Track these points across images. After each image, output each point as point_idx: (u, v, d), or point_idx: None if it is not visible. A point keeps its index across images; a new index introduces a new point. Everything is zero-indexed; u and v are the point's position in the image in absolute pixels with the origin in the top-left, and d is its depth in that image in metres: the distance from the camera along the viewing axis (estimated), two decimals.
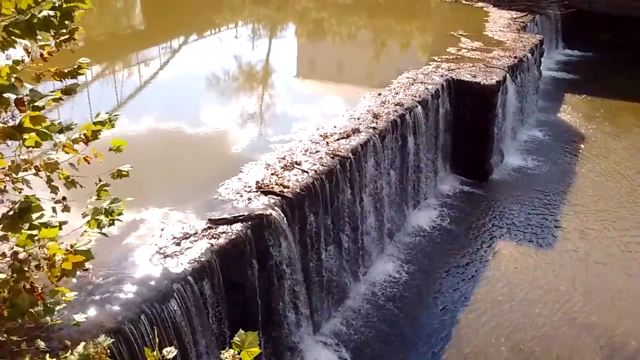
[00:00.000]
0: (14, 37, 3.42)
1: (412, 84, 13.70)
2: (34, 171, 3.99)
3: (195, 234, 7.15)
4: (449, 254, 12.15)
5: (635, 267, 11.98)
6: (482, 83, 14.40)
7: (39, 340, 4.16)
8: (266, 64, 17.59)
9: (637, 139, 18.63)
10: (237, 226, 7.35)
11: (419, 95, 12.94)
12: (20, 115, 3.48)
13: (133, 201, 4.40)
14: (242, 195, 8.17)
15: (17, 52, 3.71)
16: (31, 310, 3.69)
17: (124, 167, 4.18)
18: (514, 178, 15.84)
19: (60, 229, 3.73)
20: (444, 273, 11.58)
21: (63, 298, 3.94)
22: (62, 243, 3.73)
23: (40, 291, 3.74)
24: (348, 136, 10.43)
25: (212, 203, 7.98)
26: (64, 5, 3.52)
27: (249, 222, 7.48)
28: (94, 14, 17.50)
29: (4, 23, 3.40)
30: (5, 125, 3.52)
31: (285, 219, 8.01)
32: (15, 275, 3.61)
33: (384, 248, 11.75)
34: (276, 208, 7.94)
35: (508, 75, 15.52)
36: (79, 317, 4.40)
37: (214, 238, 7.09)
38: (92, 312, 5.65)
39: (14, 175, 3.92)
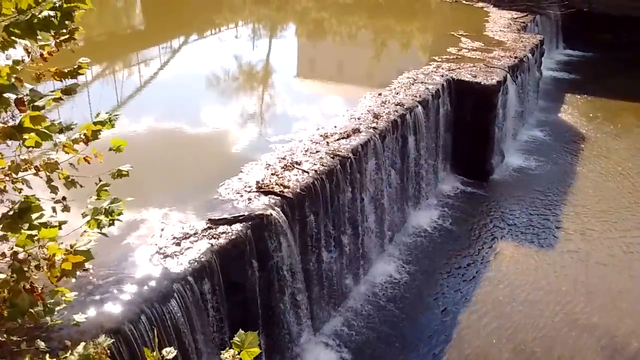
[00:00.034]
0: (14, 37, 3.42)
1: (413, 84, 13.70)
2: (33, 171, 3.99)
3: (195, 234, 7.14)
4: (449, 255, 12.14)
5: (637, 268, 11.96)
6: (482, 83, 14.39)
7: (38, 340, 4.16)
8: (266, 64, 17.59)
9: (637, 139, 18.62)
10: (237, 226, 7.35)
11: (420, 95, 12.93)
12: (21, 115, 3.47)
13: (133, 201, 4.39)
14: (242, 195, 8.17)
15: (17, 52, 3.71)
16: (31, 310, 3.69)
17: (124, 167, 4.17)
18: (515, 178, 15.83)
19: (60, 228, 3.73)
20: (445, 274, 11.57)
21: (63, 298, 3.93)
22: (62, 243, 3.73)
23: (40, 291, 3.74)
24: (348, 136, 10.42)
25: (212, 203, 7.98)
26: (64, 5, 3.52)
27: (249, 222, 7.47)
28: (94, 13, 17.49)
29: (4, 23, 3.39)
30: (5, 125, 3.51)
31: (285, 219, 8.00)
32: (15, 275, 3.61)
33: (384, 248, 11.75)
34: (276, 208, 7.93)
35: (508, 76, 15.52)
36: (79, 317, 4.39)
37: (214, 238, 7.09)
38: (92, 312, 5.65)
39: (13, 175, 3.92)
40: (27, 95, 3.57)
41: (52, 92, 3.88)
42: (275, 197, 8.13)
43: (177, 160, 9.80)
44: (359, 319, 9.97)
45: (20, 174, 3.94)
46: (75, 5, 3.57)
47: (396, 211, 12.27)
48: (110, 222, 3.96)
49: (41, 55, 3.97)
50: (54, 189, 4.07)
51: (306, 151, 9.73)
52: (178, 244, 6.92)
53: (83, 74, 4.26)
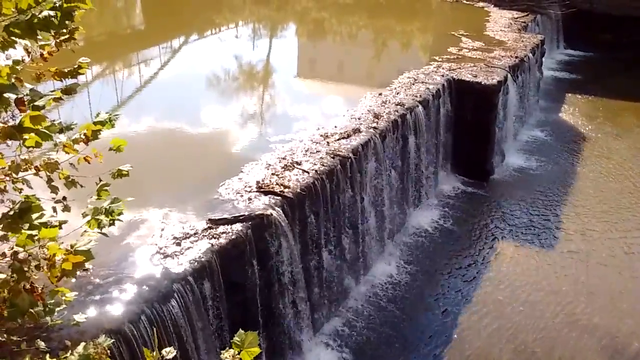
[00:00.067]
0: (14, 37, 3.41)
1: (413, 84, 13.69)
2: (34, 171, 3.99)
3: (195, 234, 7.14)
4: (450, 255, 12.13)
5: (638, 269, 11.95)
6: (483, 83, 14.39)
7: (39, 340, 4.16)
8: (266, 64, 17.59)
9: (638, 139, 18.61)
10: (238, 226, 7.34)
11: (420, 95, 12.93)
12: (21, 115, 3.47)
13: (133, 201, 4.39)
14: (242, 195, 8.16)
15: (17, 52, 3.71)
16: (31, 310, 3.68)
17: (124, 167, 4.17)
18: (515, 178, 15.82)
19: (60, 228, 3.73)
20: (446, 274, 11.56)
21: (63, 298, 3.93)
22: (62, 243, 3.72)
23: (40, 291, 3.73)
24: (349, 136, 10.42)
25: (212, 203, 7.98)
26: (65, 5, 3.51)
27: (250, 222, 7.47)
28: (94, 13, 17.49)
29: (4, 23, 3.39)
30: (6, 125, 3.51)
31: (285, 219, 7.99)
32: (15, 275, 3.60)
33: (384, 248, 11.74)
34: (277, 208, 7.93)
35: (509, 75, 15.51)
36: (79, 317, 4.39)
37: (214, 238, 7.09)
38: (92, 312, 5.65)
39: (14, 175, 3.92)
40: (27, 95, 3.57)
41: (52, 92, 3.88)
42: (276, 197, 8.13)
43: (177, 160, 9.80)
44: (360, 319, 9.96)
45: (21, 174, 3.94)
46: (75, 5, 3.56)
47: (396, 211, 12.26)
48: (111, 222, 3.96)
49: (41, 55, 3.97)
50: (54, 189, 4.07)
51: (306, 151, 9.72)
52: (178, 244, 6.92)
53: (83, 74, 4.26)
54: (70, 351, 3.36)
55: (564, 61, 26.57)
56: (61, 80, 4.13)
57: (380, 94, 12.93)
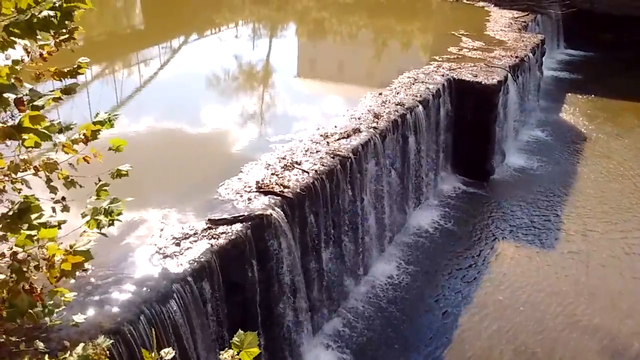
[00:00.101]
0: (13, 37, 3.40)
1: (413, 84, 13.68)
2: (33, 171, 3.98)
3: (195, 234, 7.13)
4: (450, 255, 12.12)
5: (638, 269, 11.93)
6: (483, 83, 14.38)
7: (37, 341, 4.14)
8: (266, 63, 17.58)
9: (639, 139, 18.59)
10: (237, 226, 7.33)
11: (420, 95, 12.92)
12: (20, 115, 3.46)
13: (133, 201, 4.38)
14: (242, 196, 8.15)
15: (16, 52, 3.70)
16: (30, 311, 3.67)
17: (124, 167, 4.16)
18: (516, 178, 15.81)
19: (60, 228, 3.72)
20: (446, 275, 11.55)
21: (62, 299, 3.92)
22: (62, 243, 3.72)
23: (39, 292, 3.73)
24: (349, 136, 10.41)
25: (212, 203, 7.96)
26: (64, 5, 3.51)
27: (249, 223, 7.46)
28: (94, 13, 17.48)
29: (4, 23, 3.38)
30: (5, 125, 3.50)
31: (285, 219, 7.98)
32: (14, 275, 3.60)
33: (384, 248, 11.73)
34: (276, 208, 7.92)
35: (509, 75, 15.50)
36: (78, 318, 4.38)
37: (214, 238, 7.07)
38: (91, 312, 5.63)
39: (13, 175, 3.91)
40: (26, 95, 3.57)
41: (51, 91, 3.88)
42: (275, 197, 8.12)
43: (176, 160, 9.79)
44: (359, 319, 9.95)
45: (20, 174, 3.93)
46: (75, 5, 3.56)
47: (396, 211, 12.25)
48: (110, 222, 3.95)
49: (41, 55, 3.96)
50: (53, 189, 4.06)
51: (306, 151, 9.71)
52: (178, 244, 6.91)
53: (82, 74, 4.25)
54: (69, 352, 3.35)
55: (564, 61, 26.55)
56: (60, 80, 4.13)
57: (380, 94, 12.92)
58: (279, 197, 8.13)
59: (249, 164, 9.16)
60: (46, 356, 3.71)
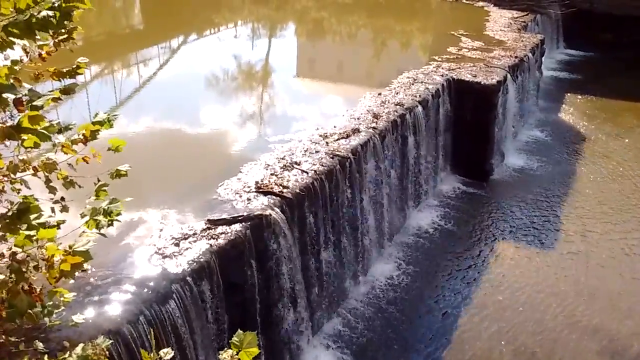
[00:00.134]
0: (12, 37, 3.40)
1: (413, 84, 13.68)
2: (32, 171, 3.97)
3: (194, 234, 7.13)
4: (450, 256, 12.12)
5: (638, 270, 11.93)
6: (482, 83, 14.38)
7: (37, 341, 4.15)
8: (266, 63, 17.58)
9: (638, 139, 18.59)
10: (236, 227, 7.33)
11: (419, 95, 12.92)
12: (19, 115, 3.46)
13: (132, 201, 4.37)
14: (241, 196, 8.15)
15: (15, 52, 3.69)
16: (30, 311, 3.67)
17: (123, 167, 4.16)
18: (515, 178, 15.81)
19: (59, 228, 3.71)
20: (446, 275, 11.54)
21: (62, 299, 3.92)
22: (61, 244, 3.72)
23: (38, 292, 3.73)
24: (348, 136, 10.41)
25: (211, 203, 7.96)
26: (63, 5, 3.50)
27: (248, 223, 7.46)
28: (93, 13, 17.46)
29: (2, 23, 3.37)
30: (4, 125, 3.49)
31: (284, 219, 7.98)
32: (13, 276, 3.60)
33: (384, 249, 11.73)
34: (275, 208, 7.91)
35: (509, 75, 15.50)
36: (78, 318, 4.38)
37: (213, 238, 7.07)
38: (90, 313, 5.63)
39: (12, 175, 3.91)
40: (25, 95, 3.56)
41: (50, 92, 3.87)
42: (275, 198, 8.11)
43: (176, 160, 9.79)
44: (359, 320, 9.95)
45: (19, 175, 3.93)
46: (74, 5, 3.55)
47: (396, 211, 12.25)
48: (109, 222, 3.94)
49: (40, 55, 3.96)
50: (52, 190, 4.06)
51: (305, 151, 9.71)
52: (177, 245, 6.90)
53: (82, 74, 4.25)
54: (68, 352, 3.35)
55: (564, 61, 26.55)
56: (60, 80, 4.12)
57: (379, 94, 12.92)
58: (278, 198, 8.13)
59: (248, 164, 9.16)
60: (45, 356, 3.71)
